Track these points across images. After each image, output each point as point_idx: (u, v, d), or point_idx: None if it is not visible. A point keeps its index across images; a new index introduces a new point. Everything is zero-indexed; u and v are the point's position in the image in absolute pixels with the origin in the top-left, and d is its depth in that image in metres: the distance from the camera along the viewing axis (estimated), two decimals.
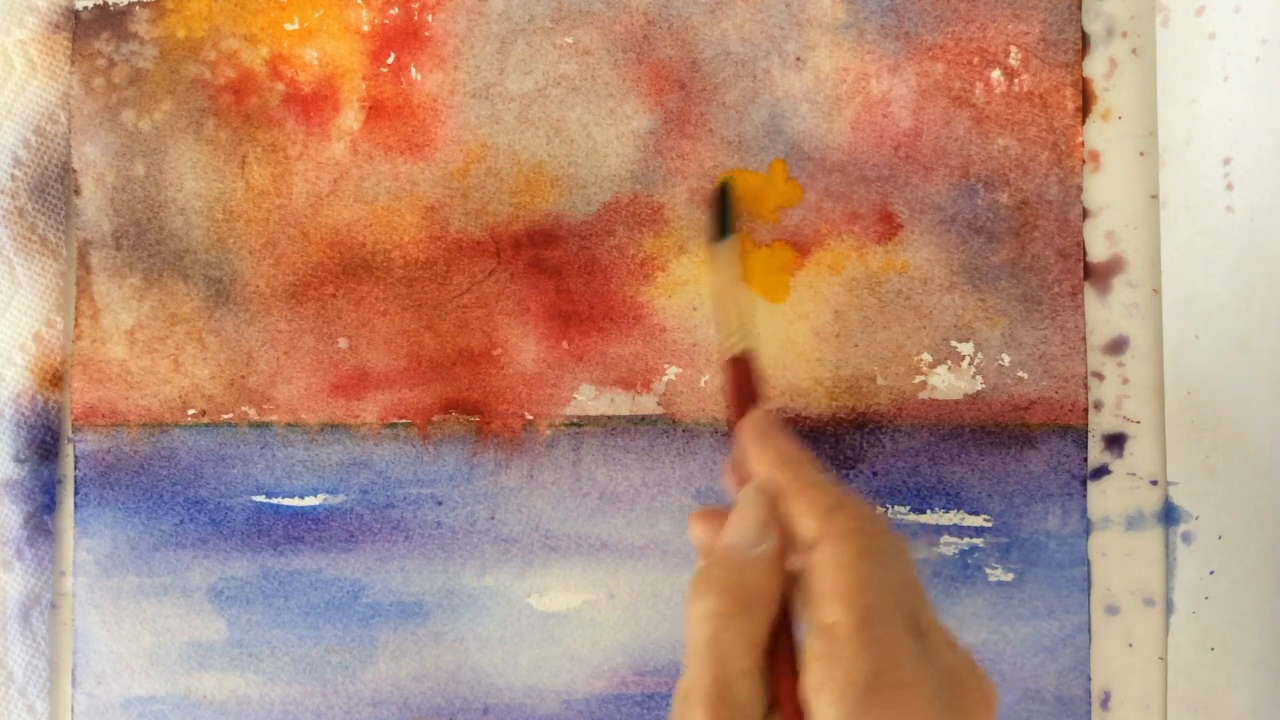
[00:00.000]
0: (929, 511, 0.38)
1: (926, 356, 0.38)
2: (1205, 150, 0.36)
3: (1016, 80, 0.38)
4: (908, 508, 0.38)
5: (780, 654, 0.27)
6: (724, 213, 0.36)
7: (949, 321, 0.38)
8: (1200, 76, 0.36)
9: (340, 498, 0.40)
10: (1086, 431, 0.37)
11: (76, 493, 0.42)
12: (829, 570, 0.26)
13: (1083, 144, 0.37)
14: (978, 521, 0.37)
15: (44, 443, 0.42)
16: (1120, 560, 0.37)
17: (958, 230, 0.38)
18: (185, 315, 0.41)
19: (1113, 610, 0.37)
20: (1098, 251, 0.38)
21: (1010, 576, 0.37)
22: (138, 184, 0.42)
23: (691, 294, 0.39)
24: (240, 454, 0.41)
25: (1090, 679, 0.37)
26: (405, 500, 0.40)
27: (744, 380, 0.32)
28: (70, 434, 0.42)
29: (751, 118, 0.39)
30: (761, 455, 0.29)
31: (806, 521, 0.28)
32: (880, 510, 0.27)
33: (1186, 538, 0.36)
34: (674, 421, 0.39)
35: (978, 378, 0.38)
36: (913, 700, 0.25)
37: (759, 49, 0.39)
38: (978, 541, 0.37)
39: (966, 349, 0.38)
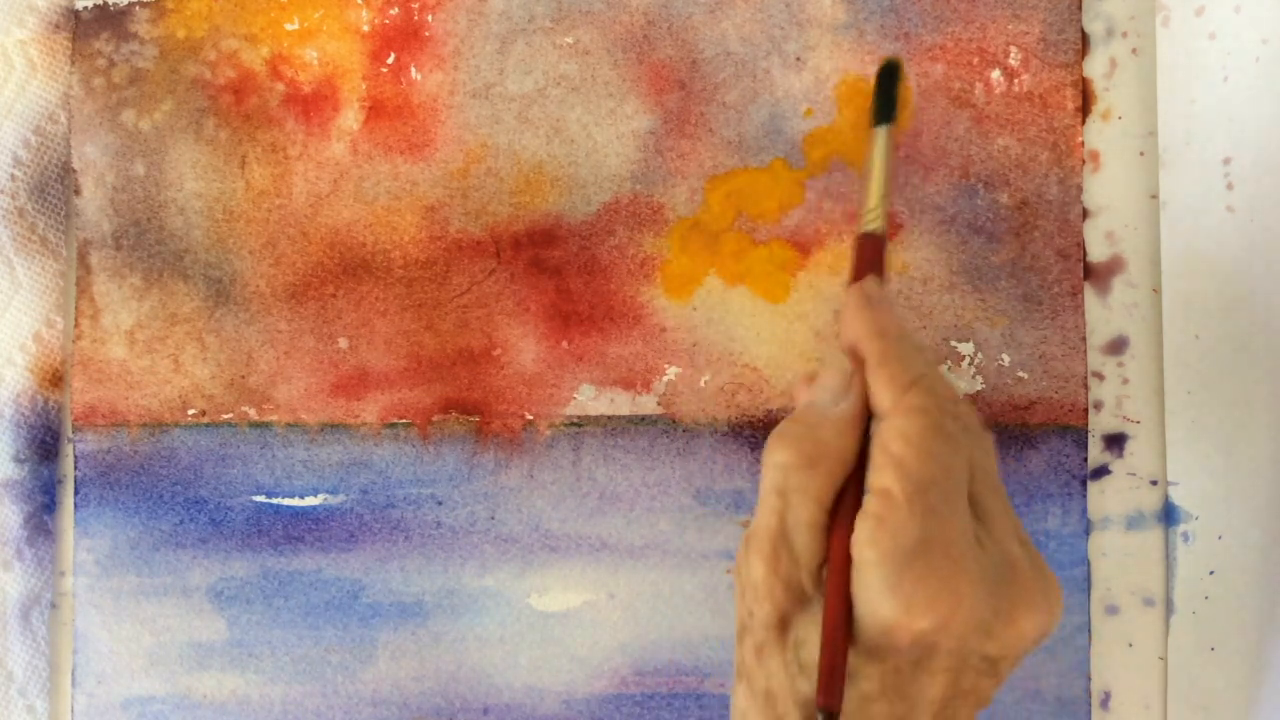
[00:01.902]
0: None
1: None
2: (1205, 150, 0.36)
3: (1016, 80, 0.38)
4: None
5: (842, 510, 0.27)
6: (889, 94, 0.35)
7: (949, 321, 0.38)
8: (1200, 76, 0.36)
9: (340, 498, 0.40)
10: (1086, 431, 0.37)
11: (76, 493, 0.42)
12: (893, 440, 0.27)
13: (1083, 144, 0.37)
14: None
15: (44, 443, 0.42)
16: (1120, 560, 0.37)
17: (958, 230, 0.38)
18: (185, 315, 0.41)
19: (1113, 610, 0.37)
20: (1098, 251, 0.38)
21: None
22: (138, 184, 0.42)
23: (691, 293, 0.39)
24: (240, 454, 0.41)
25: (1090, 679, 0.37)
26: (405, 500, 0.40)
27: (869, 256, 0.32)
28: (70, 434, 0.42)
29: (751, 118, 0.39)
30: (857, 321, 0.30)
31: (884, 392, 0.28)
32: (962, 397, 0.28)
33: (1186, 538, 0.36)
34: (674, 421, 0.39)
35: (978, 378, 0.38)
36: (956, 575, 0.26)
37: (759, 49, 0.39)
38: None
39: (966, 349, 0.38)
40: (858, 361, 0.29)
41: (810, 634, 0.27)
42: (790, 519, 0.28)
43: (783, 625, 0.27)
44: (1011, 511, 0.29)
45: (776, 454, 0.28)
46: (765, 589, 0.28)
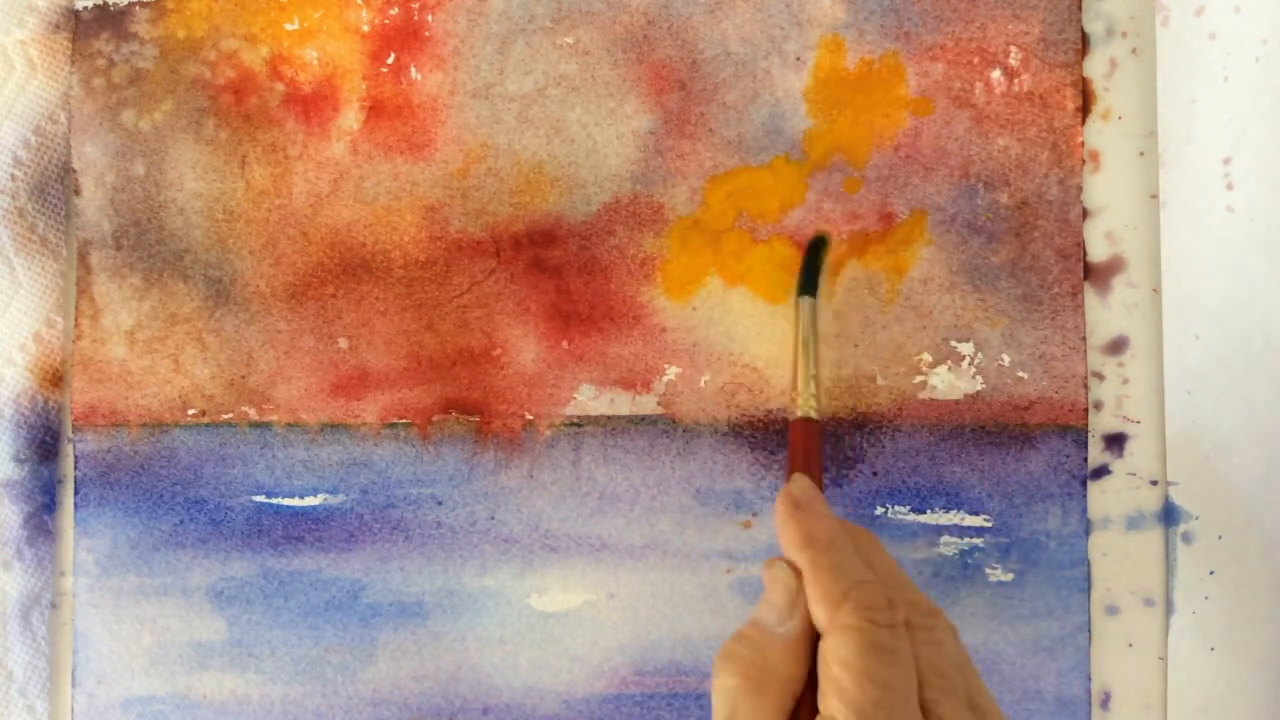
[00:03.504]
0: (929, 511, 0.38)
1: (926, 356, 0.38)
2: (1205, 150, 0.36)
3: (1016, 80, 0.38)
4: (908, 508, 0.38)
5: None
6: (814, 268, 0.36)
7: (949, 321, 0.38)
8: (1200, 76, 0.36)
9: (340, 498, 0.40)
10: (1086, 431, 0.37)
11: (76, 493, 0.42)
12: (832, 662, 0.27)
13: (1083, 144, 0.37)
14: (978, 521, 0.37)
15: (44, 443, 0.42)
16: (1120, 560, 0.37)
17: (958, 230, 0.38)
18: (185, 315, 0.41)
19: (1113, 610, 0.37)
20: (1098, 251, 0.38)
21: (1010, 576, 0.37)
22: (138, 184, 0.42)
23: (691, 293, 0.39)
24: (240, 454, 0.41)
25: (1090, 679, 0.37)
26: (405, 500, 0.40)
27: (804, 442, 0.32)
28: (70, 434, 0.42)
29: (751, 118, 0.39)
30: (788, 530, 0.30)
31: (817, 609, 0.28)
32: (896, 601, 0.28)
33: (1186, 538, 0.36)
34: (674, 421, 0.39)
35: (978, 378, 0.38)
36: None
37: (759, 49, 0.39)
38: (978, 541, 0.37)
39: (966, 349, 0.38)
40: (798, 573, 0.29)
41: None
42: None
43: None
44: (978, 702, 0.28)
45: (724, 678, 0.28)
46: None
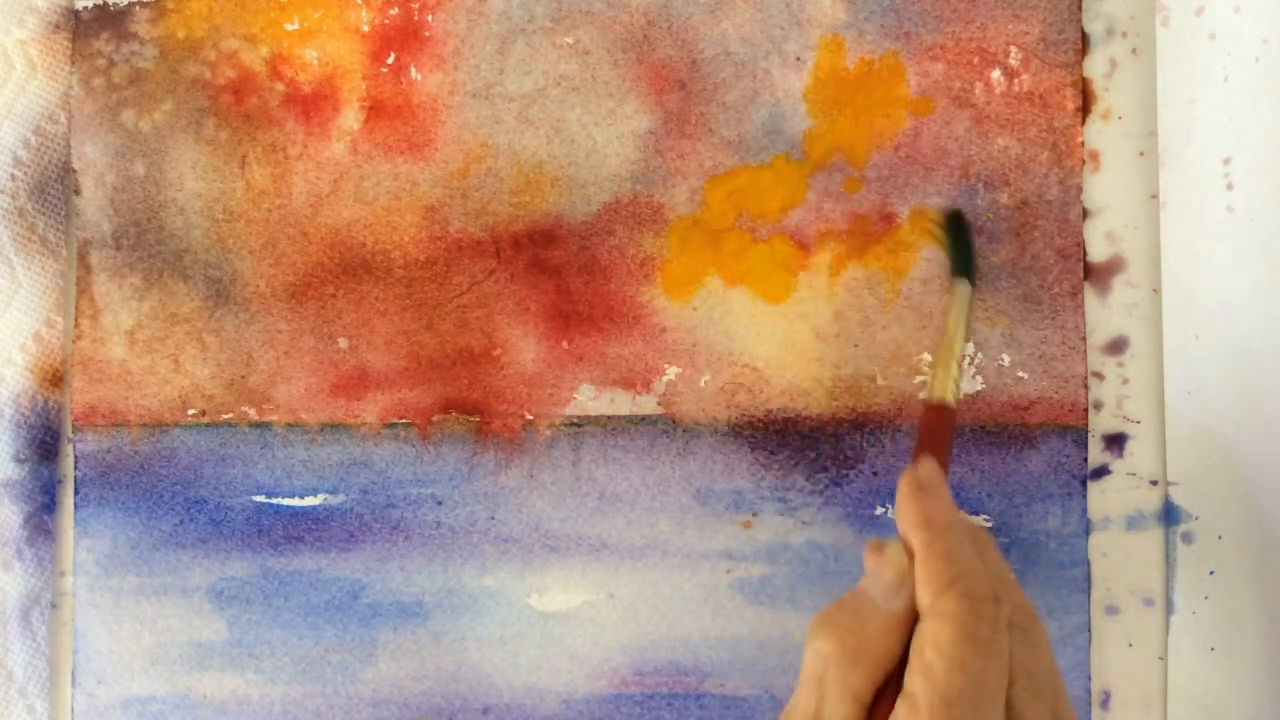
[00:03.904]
0: None
1: (926, 356, 0.38)
2: (1205, 150, 0.36)
3: (1016, 80, 0.38)
4: None
5: (881, 706, 0.27)
6: (964, 248, 0.35)
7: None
8: (1200, 76, 0.36)
9: (340, 498, 0.40)
10: (1086, 431, 0.37)
11: (76, 493, 0.42)
12: (926, 644, 0.27)
13: (1083, 144, 0.37)
14: (978, 521, 0.37)
15: (44, 443, 0.42)
16: (1120, 560, 0.37)
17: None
18: (185, 315, 0.41)
19: (1113, 610, 0.37)
20: (1098, 251, 0.38)
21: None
22: (138, 184, 0.42)
23: (691, 293, 0.39)
24: (240, 454, 0.41)
25: (1090, 679, 0.37)
26: (405, 500, 0.40)
27: (936, 430, 0.32)
28: (70, 434, 0.42)
29: (751, 118, 0.39)
30: (905, 510, 0.30)
31: (923, 590, 0.28)
32: (1006, 595, 0.28)
33: (1186, 538, 0.36)
34: (674, 421, 0.39)
35: (978, 378, 0.38)
36: None
37: (759, 49, 0.39)
38: None
39: (967, 349, 0.38)
40: (911, 553, 0.29)
41: None
42: (826, 711, 0.27)
43: None
44: (1061, 712, 0.28)
45: (820, 641, 0.28)
46: None
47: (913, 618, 0.28)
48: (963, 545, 0.29)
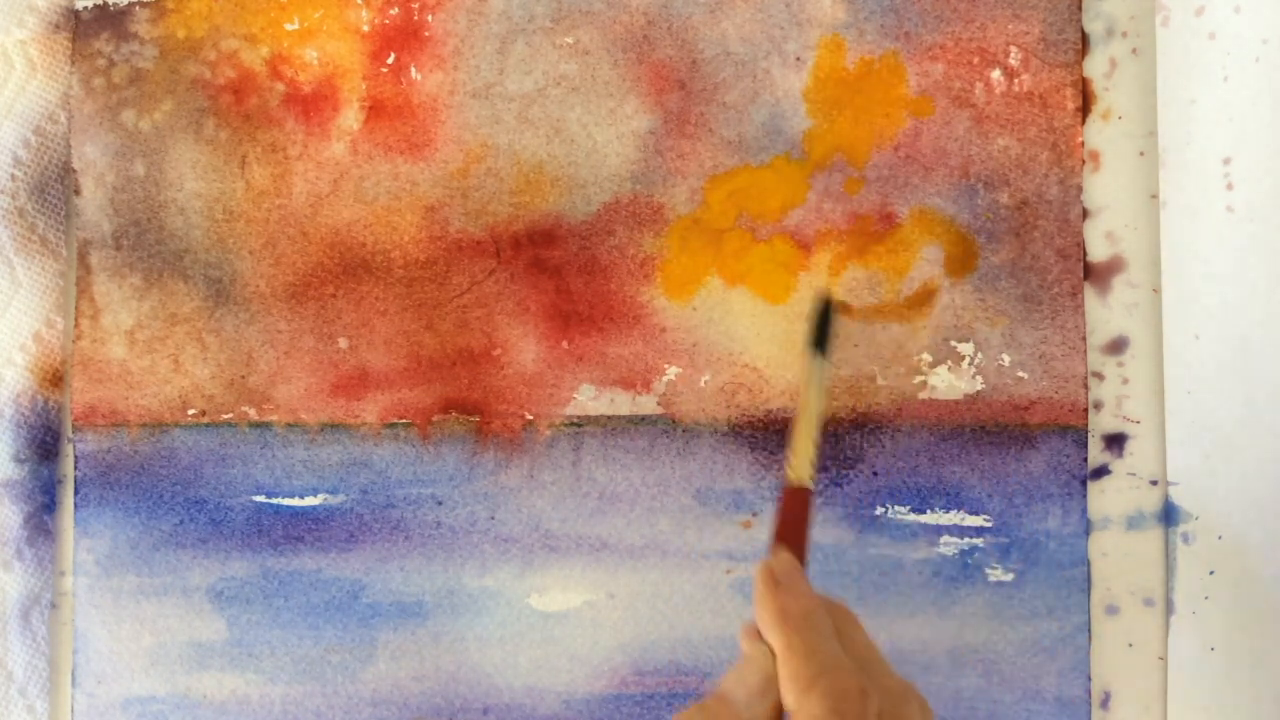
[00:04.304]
0: (929, 511, 0.38)
1: (926, 356, 0.38)
2: (1205, 150, 0.36)
3: (1016, 80, 0.38)
4: (908, 508, 0.38)
5: None
6: (825, 326, 0.35)
7: (949, 321, 0.38)
8: (1200, 76, 0.36)
9: (340, 498, 0.40)
10: (1086, 431, 0.37)
11: (76, 493, 0.42)
12: None
13: (1083, 144, 0.37)
14: (978, 521, 0.37)
15: (44, 443, 0.42)
16: (1120, 560, 0.37)
17: (957, 230, 0.38)
18: (185, 315, 0.41)
19: (1113, 610, 0.37)
20: (1098, 251, 0.38)
21: (1010, 576, 0.37)
22: (138, 184, 0.42)
23: (691, 293, 0.39)
24: (240, 454, 0.41)
25: (1090, 679, 0.37)
26: (405, 500, 0.40)
27: (794, 512, 0.32)
28: (70, 434, 0.42)
29: (751, 118, 0.39)
30: (763, 609, 0.29)
31: (787, 691, 0.27)
32: (870, 692, 0.27)
33: (1186, 538, 0.36)
34: (674, 421, 0.39)
35: (978, 378, 0.38)
36: None
37: (759, 49, 0.39)
38: (978, 541, 0.37)
39: (966, 349, 0.38)
40: (773, 653, 0.28)
41: None
42: None
43: None
44: None
45: None
46: None
47: (780, 716, 0.28)
48: (823, 639, 0.28)
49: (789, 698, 0.27)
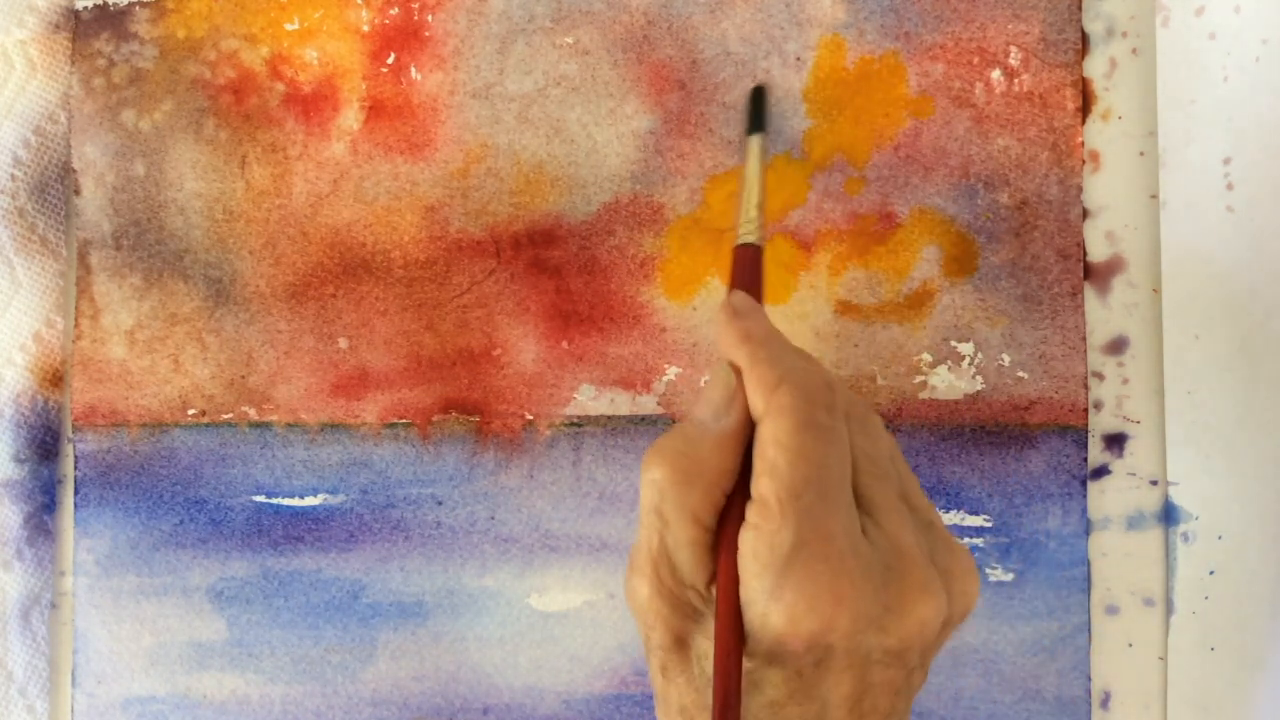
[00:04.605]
0: None
1: (926, 356, 0.38)
2: (1205, 150, 0.36)
3: (1016, 80, 0.38)
4: None
5: (730, 525, 0.27)
6: (760, 110, 0.37)
7: (949, 321, 0.38)
8: (1200, 76, 0.36)
9: (340, 498, 0.40)
10: (1086, 431, 0.37)
11: (76, 493, 0.42)
12: (767, 444, 0.26)
13: (1083, 144, 0.37)
14: (978, 521, 0.37)
15: (44, 443, 0.42)
16: (1120, 560, 0.37)
17: (958, 230, 0.38)
18: (185, 315, 0.41)
19: (1113, 610, 0.37)
20: (1098, 251, 0.38)
21: (1010, 576, 0.37)
22: (138, 184, 0.42)
23: (692, 294, 0.39)
24: (240, 454, 0.41)
25: (1090, 679, 0.37)
26: (405, 500, 0.40)
27: (745, 267, 0.32)
28: (70, 434, 0.42)
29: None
30: (726, 334, 0.29)
31: (755, 397, 0.27)
32: (838, 384, 0.28)
33: (1186, 538, 0.36)
34: (674, 421, 0.39)
35: (978, 378, 0.38)
36: (836, 576, 0.25)
37: (759, 49, 0.39)
38: (978, 541, 0.37)
39: (966, 349, 0.38)
40: (739, 373, 0.29)
41: (710, 649, 0.26)
42: (670, 539, 0.27)
43: (680, 644, 0.27)
44: (910, 496, 0.28)
45: (652, 470, 0.27)
46: (652, 611, 0.27)
47: (746, 432, 0.28)
48: (786, 351, 0.28)
49: (757, 402, 0.27)
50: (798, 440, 0.26)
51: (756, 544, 0.26)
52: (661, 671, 0.28)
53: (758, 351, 0.28)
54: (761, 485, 0.26)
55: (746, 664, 0.26)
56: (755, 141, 0.36)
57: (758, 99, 0.38)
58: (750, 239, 0.33)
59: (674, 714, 0.28)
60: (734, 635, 0.26)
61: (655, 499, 0.27)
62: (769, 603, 0.25)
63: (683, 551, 0.27)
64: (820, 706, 0.26)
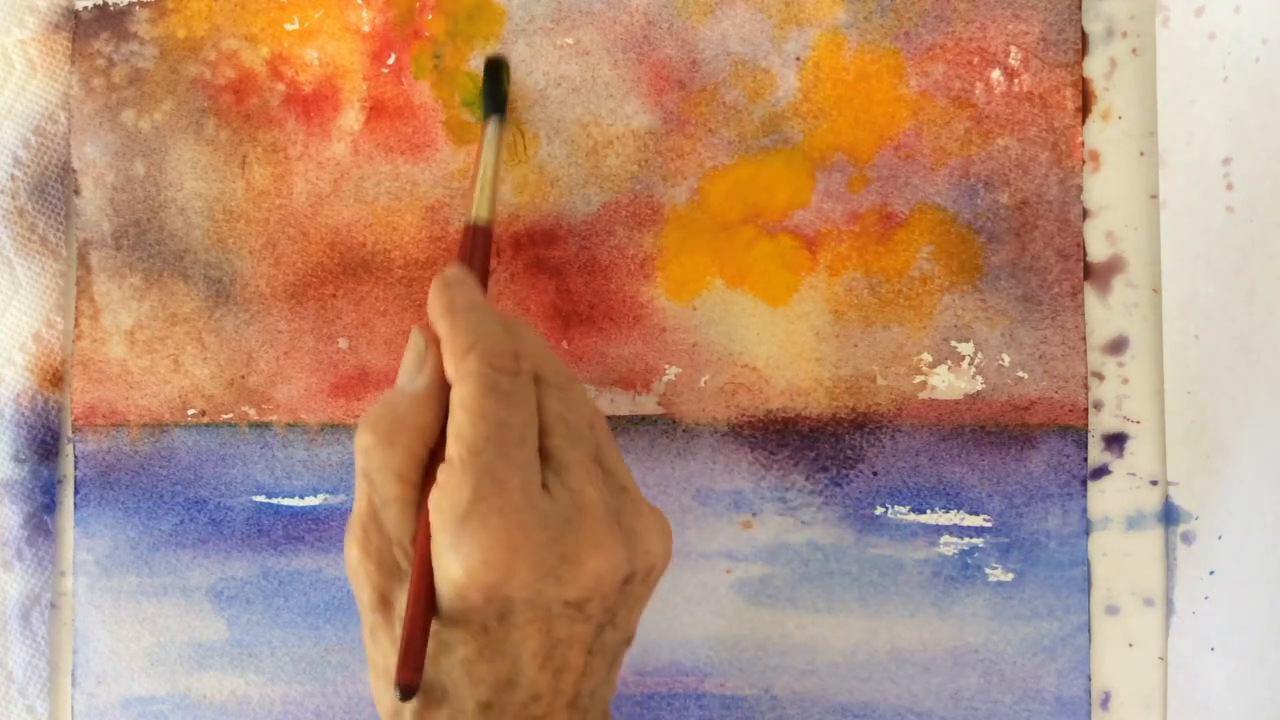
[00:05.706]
0: (929, 511, 0.38)
1: (926, 356, 0.38)
2: (1205, 150, 0.36)
3: (1016, 80, 0.38)
4: (908, 508, 0.38)
5: (430, 488, 0.28)
6: (497, 89, 0.38)
7: (949, 321, 0.38)
8: (1200, 76, 0.36)
9: (340, 498, 0.40)
10: (1086, 431, 0.37)
11: (76, 493, 0.42)
12: (455, 408, 0.28)
13: (1083, 144, 0.37)
14: (978, 521, 0.37)
15: (44, 443, 0.42)
16: (1120, 560, 0.37)
17: (958, 230, 0.38)
18: (185, 315, 0.41)
19: (1113, 610, 0.37)
20: (1098, 251, 0.38)
21: (1010, 576, 0.37)
22: (138, 184, 0.42)
23: (692, 294, 0.39)
24: (240, 454, 0.41)
25: (1090, 679, 0.37)
26: None
27: (470, 245, 0.34)
28: (70, 434, 0.42)
29: (752, 117, 0.39)
30: (433, 304, 0.31)
31: (448, 364, 0.29)
32: (526, 354, 0.30)
33: (1186, 538, 0.36)
34: (674, 421, 0.39)
35: (978, 378, 0.38)
36: (511, 528, 0.26)
37: (759, 49, 0.39)
38: (978, 541, 0.37)
39: (966, 349, 0.38)
40: (434, 340, 0.30)
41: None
42: (377, 498, 0.29)
43: (385, 604, 0.28)
44: (606, 459, 0.30)
45: (359, 437, 0.29)
46: (361, 571, 0.29)
47: (442, 391, 0.30)
48: (485, 321, 0.30)
49: (450, 368, 0.29)
50: (480, 403, 0.28)
51: (440, 500, 0.27)
52: (370, 634, 0.29)
53: (457, 321, 0.30)
54: (450, 446, 0.28)
55: (436, 624, 0.27)
56: (492, 124, 0.37)
57: (494, 74, 0.38)
58: (477, 218, 0.35)
59: (380, 677, 0.29)
60: (423, 583, 0.27)
61: (364, 463, 0.29)
62: (450, 555, 0.26)
63: (390, 509, 0.28)
64: (511, 663, 0.27)
